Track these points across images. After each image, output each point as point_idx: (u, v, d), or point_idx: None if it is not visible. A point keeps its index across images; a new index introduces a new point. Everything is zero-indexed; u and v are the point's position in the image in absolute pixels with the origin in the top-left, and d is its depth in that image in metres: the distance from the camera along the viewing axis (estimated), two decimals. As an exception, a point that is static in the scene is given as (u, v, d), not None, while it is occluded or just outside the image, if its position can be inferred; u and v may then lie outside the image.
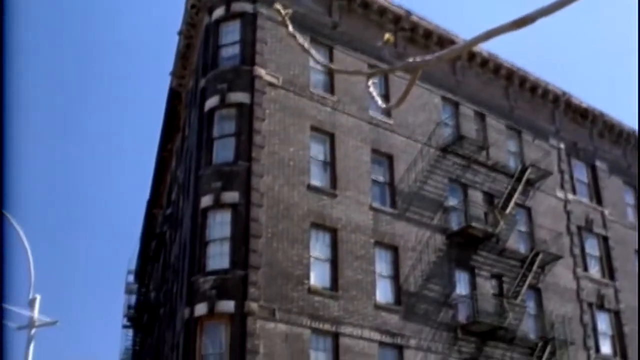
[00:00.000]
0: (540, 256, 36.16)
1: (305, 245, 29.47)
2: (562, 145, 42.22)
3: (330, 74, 33.43)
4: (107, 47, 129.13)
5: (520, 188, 36.88)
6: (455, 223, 34.89)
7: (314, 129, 31.98)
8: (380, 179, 33.50)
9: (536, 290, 36.65)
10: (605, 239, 41.73)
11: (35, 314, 23.69)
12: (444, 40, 37.29)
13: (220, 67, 32.01)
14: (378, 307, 30.40)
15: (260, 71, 31.27)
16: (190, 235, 29.56)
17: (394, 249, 32.26)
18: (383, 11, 36.13)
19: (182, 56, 39.18)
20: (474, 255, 34.73)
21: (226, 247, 28.27)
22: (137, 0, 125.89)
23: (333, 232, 30.60)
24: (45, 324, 23.87)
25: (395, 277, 31.82)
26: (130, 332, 59.22)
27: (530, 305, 36.24)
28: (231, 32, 32.68)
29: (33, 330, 23.68)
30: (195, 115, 33.19)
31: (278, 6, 5.31)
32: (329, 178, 31.64)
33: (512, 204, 36.24)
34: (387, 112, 34.51)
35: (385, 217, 32.45)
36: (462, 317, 33.04)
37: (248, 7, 32.41)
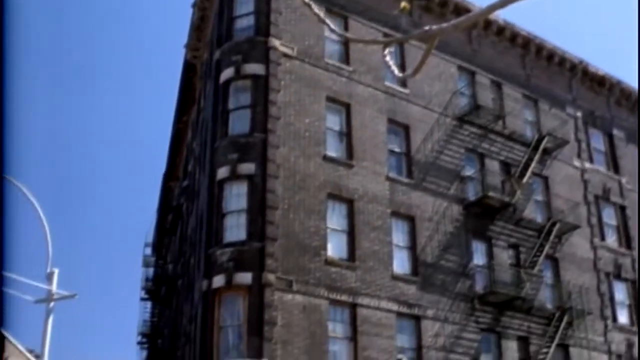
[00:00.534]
0: (557, 226, 36.05)
1: (322, 216, 29.47)
2: (579, 114, 41.94)
3: (345, 44, 33.24)
4: (122, 21, 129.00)
5: (537, 157, 36.71)
6: (472, 193, 34.80)
7: (330, 99, 31.86)
8: (397, 149, 33.39)
9: (553, 260, 36.57)
10: (622, 208, 41.51)
11: (54, 287, 23.79)
12: (460, 9, 37.00)
13: (234, 39, 31.87)
14: (395, 277, 30.41)
15: (275, 42, 31.14)
16: (206, 207, 29.58)
17: (411, 220, 32.22)
18: (398, -20, 35.80)
19: (197, 28, 39.02)
20: (491, 225, 34.66)
21: (243, 219, 28.29)
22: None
23: (350, 202, 30.57)
24: (64, 297, 23.96)
25: (412, 247, 31.80)
26: (148, 304, 59.56)
27: (548, 275, 36.18)
28: (245, 3, 32.49)
29: (52, 304, 23.81)
30: (210, 87, 33.12)
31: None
32: (345, 149, 31.56)
33: (529, 173, 36.09)
34: (403, 82, 34.35)
35: (402, 187, 32.38)
36: (479, 287, 33.02)
37: (262, -22, 32.20)
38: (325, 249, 28.91)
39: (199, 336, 27.61)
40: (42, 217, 24.33)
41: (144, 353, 63.63)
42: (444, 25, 4.86)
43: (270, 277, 27.01)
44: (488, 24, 38.74)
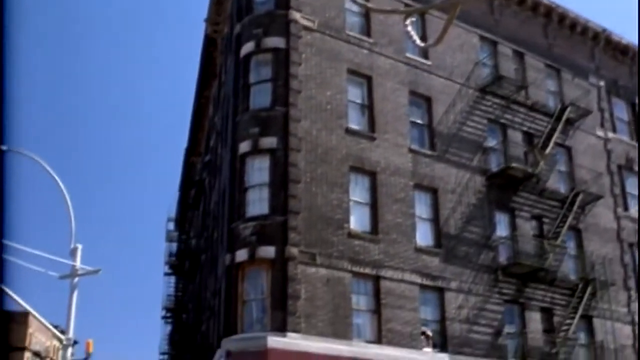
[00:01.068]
0: (580, 196, 35.88)
1: (345, 189, 29.45)
2: (601, 83, 41.58)
3: (366, 15, 33.04)
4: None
5: (559, 127, 36.49)
6: (494, 164, 34.65)
7: (351, 72, 31.73)
8: (419, 121, 33.27)
9: (576, 231, 36.41)
10: (646, 178, 41.22)
11: (77, 262, 23.96)
12: (481, -21, 36.71)
13: (255, 12, 31.75)
14: (418, 250, 30.39)
15: (295, 15, 31.00)
16: (229, 182, 29.63)
17: (434, 192, 32.15)
18: (418, -50, 35.56)
19: (217, 2, 38.87)
20: (513, 197, 34.52)
21: (265, 193, 28.31)
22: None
23: (372, 175, 30.53)
24: (88, 272, 24.15)
25: (435, 219, 31.75)
26: (172, 279, 60.01)
27: (571, 246, 36.04)
28: (265, -24, 32.33)
29: (76, 279, 23.99)
30: (231, 61, 33.06)
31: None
32: (367, 121, 31.47)
33: (551, 143, 35.87)
34: (425, 54, 34.15)
35: (425, 159, 32.29)
36: (502, 258, 32.95)
37: (281, -50, 31.99)
38: (348, 221, 28.91)
39: (223, 310, 27.73)
40: (65, 194, 24.47)
41: (168, 327, 64.19)
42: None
43: (293, 251, 27.06)
44: (510, -7, 38.48)
